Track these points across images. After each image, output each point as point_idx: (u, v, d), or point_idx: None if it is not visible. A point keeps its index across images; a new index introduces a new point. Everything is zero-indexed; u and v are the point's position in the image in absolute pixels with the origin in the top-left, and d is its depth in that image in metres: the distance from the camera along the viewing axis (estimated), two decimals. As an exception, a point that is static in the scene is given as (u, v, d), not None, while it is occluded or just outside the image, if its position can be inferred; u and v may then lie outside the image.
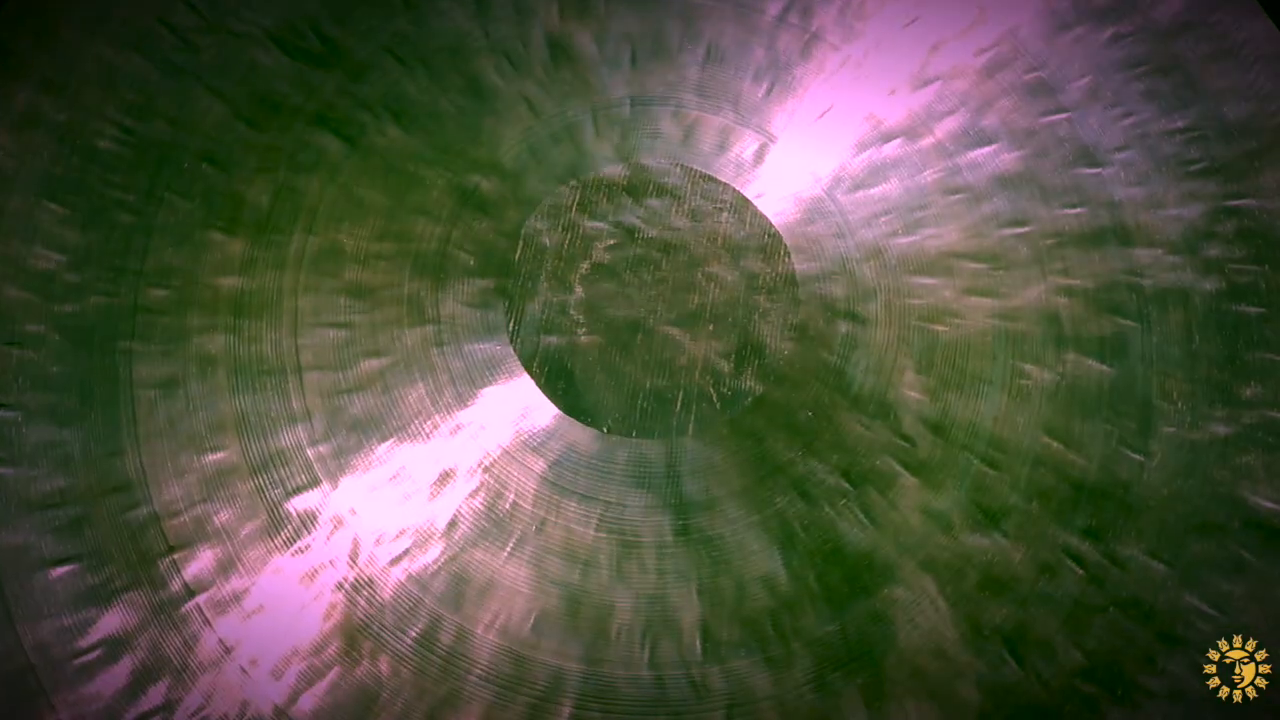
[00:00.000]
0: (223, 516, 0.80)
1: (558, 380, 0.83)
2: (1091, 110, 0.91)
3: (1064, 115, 0.91)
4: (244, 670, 0.77)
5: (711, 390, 0.84)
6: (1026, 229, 0.88)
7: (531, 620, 0.79)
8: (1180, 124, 0.90)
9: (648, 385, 0.84)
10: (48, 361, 0.82)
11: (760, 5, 0.93)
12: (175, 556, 0.79)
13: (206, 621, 0.78)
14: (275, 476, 0.81)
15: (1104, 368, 0.85)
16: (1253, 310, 0.86)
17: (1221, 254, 0.88)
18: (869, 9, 0.93)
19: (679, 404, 0.83)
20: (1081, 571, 0.81)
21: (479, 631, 0.78)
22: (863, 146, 0.90)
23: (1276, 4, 0.92)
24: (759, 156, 0.90)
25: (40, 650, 0.77)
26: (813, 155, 0.90)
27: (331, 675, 0.78)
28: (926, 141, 0.90)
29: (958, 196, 0.89)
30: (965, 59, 0.92)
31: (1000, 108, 0.91)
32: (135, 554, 0.79)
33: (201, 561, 0.79)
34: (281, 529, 0.80)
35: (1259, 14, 0.92)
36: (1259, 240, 0.88)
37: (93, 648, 0.77)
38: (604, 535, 0.81)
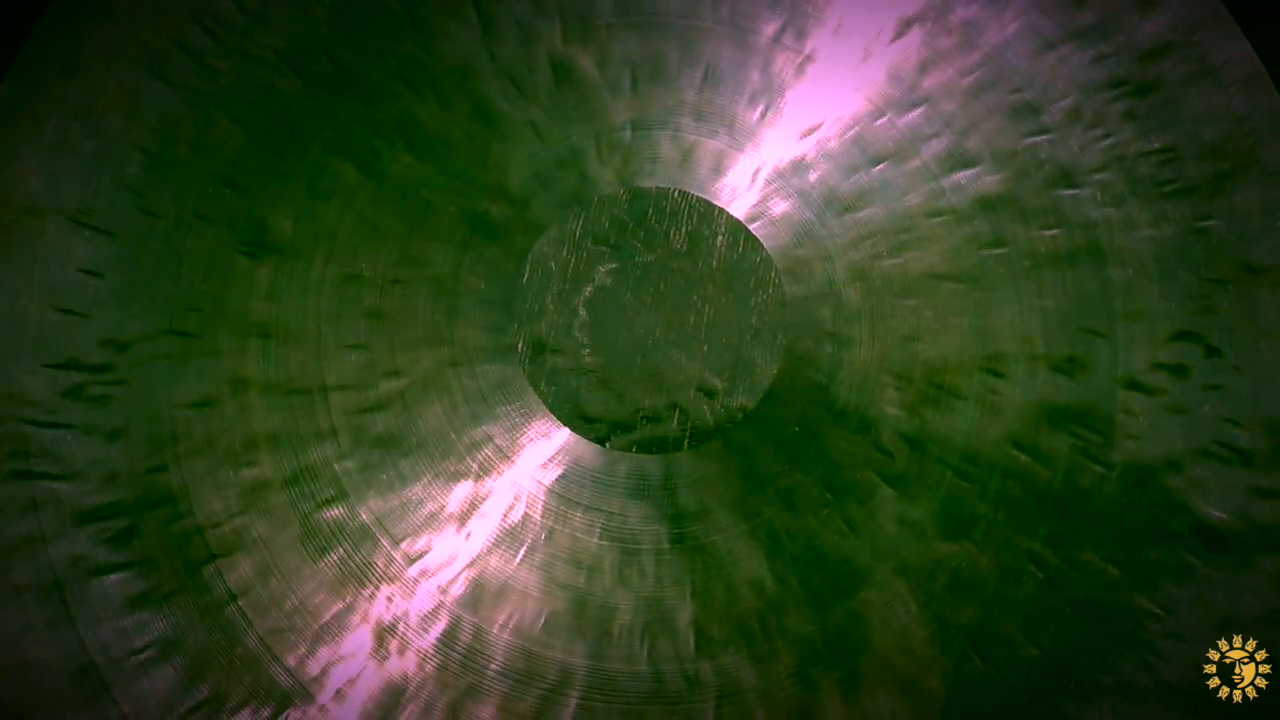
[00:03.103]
0: (260, 527, 0.88)
1: (564, 399, 0.90)
2: (1072, 131, 0.95)
3: (1046, 137, 0.95)
4: (283, 667, 0.86)
5: (705, 408, 0.90)
6: (1005, 250, 0.93)
7: (542, 621, 0.87)
8: (1157, 145, 0.95)
9: (646, 403, 0.90)
10: (93, 384, 0.89)
11: (756, 26, 0.96)
12: (218, 564, 0.87)
13: (248, 623, 0.87)
14: (306, 490, 0.89)
15: (1073, 384, 0.91)
16: (1217, 329, 0.92)
17: (1190, 275, 0.93)
18: (860, 28, 0.96)
19: (675, 421, 0.90)
20: (1042, 575, 0.89)
21: (494, 631, 0.87)
22: (851, 170, 0.95)
23: (1258, 27, 0.95)
24: (753, 179, 0.95)
25: (102, 650, 0.86)
26: (804, 179, 0.95)
27: (364, 671, 0.86)
28: (913, 164, 0.95)
29: (940, 219, 0.94)
30: (952, 80, 0.96)
31: (984, 130, 0.95)
32: (181, 562, 0.87)
33: (242, 568, 0.88)
34: (314, 538, 0.88)
35: (1240, 36, 0.95)
36: (1226, 261, 0.93)
37: (147, 647, 0.86)
38: (606, 543, 0.89)
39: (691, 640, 0.87)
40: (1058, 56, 0.96)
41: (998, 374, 0.92)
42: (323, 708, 0.86)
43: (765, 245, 0.93)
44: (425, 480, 0.89)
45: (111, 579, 0.86)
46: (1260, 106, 0.95)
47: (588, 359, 0.91)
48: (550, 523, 0.89)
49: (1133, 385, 0.91)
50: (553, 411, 0.90)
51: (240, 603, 0.87)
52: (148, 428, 0.88)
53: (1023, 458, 0.90)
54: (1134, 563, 0.89)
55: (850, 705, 0.87)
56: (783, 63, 0.96)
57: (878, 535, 0.89)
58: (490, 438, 0.90)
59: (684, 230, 0.94)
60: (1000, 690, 0.87)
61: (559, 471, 0.89)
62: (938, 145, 0.95)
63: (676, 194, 0.94)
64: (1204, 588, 0.88)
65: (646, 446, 0.90)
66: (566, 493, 0.89)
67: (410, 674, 0.86)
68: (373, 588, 0.88)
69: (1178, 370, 0.92)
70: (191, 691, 0.86)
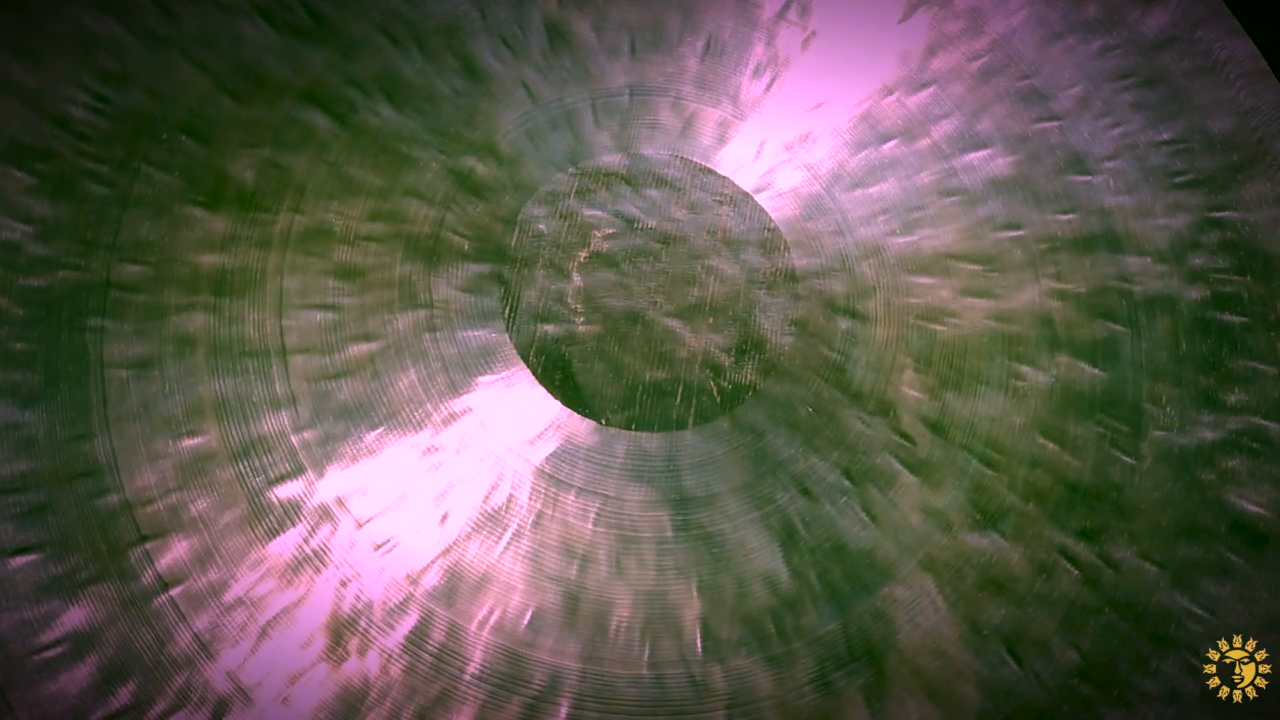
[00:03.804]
0: (200, 505, 0.76)
1: (555, 370, 0.81)
2: (1082, 119, 0.92)
3: (1055, 123, 0.92)
4: (221, 668, 0.73)
5: (712, 384, 0.82)
6: (1020, 233, 0.89)
7: (528, 617, 0.76)
8: (1167, 135, 0.93)
9: (647, 377, 0.82)
10: (11, 338, 0.77)
11: (759, 1, 0.92)
12: (148, 546, 0.75)
13: (181, 616, 0.74)
14: (257, 464, 0.77)
15: (1096, 371, 0.86)
16: (1236, 319, 0.88)
17: (1206, 264, 0.90)
18: (867, 8, 0.93)
19: (679, 397, 0.82)
20: (1076, 572, 0.81)
21: (472, 628, 0.76)
22: (860, 145, 0.90)
23: (1258, 23, 0.95)
24: (758, 151, 0.89)
25: (-2, 645, 0.71)
26: (812, 152, 0.90)
27: (317, 673, 0.74)
28: (923, 143, 0.91)
29: (953, 199, 0.89)
30: (960, 63, 0.93)
31: (995, 113, 0.92)
32: (104, 543, 0.75)
33: (176, 552, 0.75)
34: (263, 519, 0.76)
35: (1241, 33, 0.95)
36: (1241, 252, 0.90)
37: (56, 643, 0.72)
38: (602, 530, 0.79)
39: (698, 641, 0.77)
40: (1065, 46, 0.94)
41: (1020, 359, 0.86)
42: (266, 715, 0.73)
43: (773, 216, 0.87)
44: (395, 456, 0.79)
45: (17, 562, 0.73)
46: (1266, 101, 0.94)
47: (582, 328, 0.83)
48: (538, 506, 0.79)
49: (1158, 375, 0.86)
50: (542, 383, 0.81)
51: (172, 593, 0.74)
52: (73, 390, 0.77)
53: (1050, 446, 0.84)
54: (1171, 560, 0.82)
55: (876, 713, 0.77)
56: (787, 37, 0.92)
57: (901, 526, 0.81)
58: (471, 410, 0.80)
59: (686, 198, 0.87)
60: (1038, 697, 0.78)
61: (549, 449, 0.80)
62: (948, 126, 0.91)
63: (678, 161, 0.88)
64: (1246, 586, 0.82)
65: (647, 424, 0.81)
66: (557, 473, 0.79)
67: (372, 677, 0.74)
68: (331, 576, 0.76)
69: (1201, 361, 0.87)
70: (108, 696, 0.72)
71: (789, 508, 0.81)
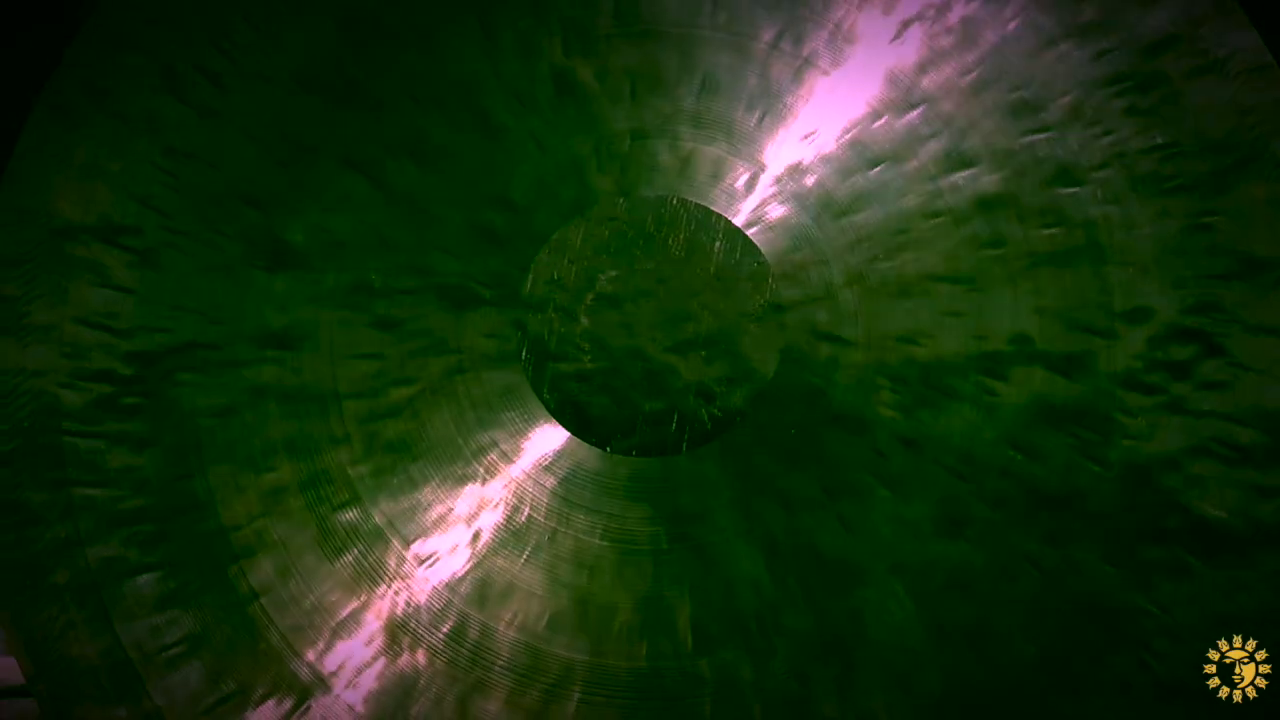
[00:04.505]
0: (279, 529, 0.93)
1: (566, 405, 0.93)
2: (1072, 129, 0.95)
3: (1045, 135, 0.95)
4: (302, 661, 0.91)
5: (704, 411, 0.93)
6: (1002, 250, 0.94)
7: (545, 619, 0.91)
8: (1159, 140, 0.94)
9: (646, 408, 0.93)
10: (121, 394, 0.94)
11: (754, 32, 0.97)
12: (241, 564, 0.92)
13: (270, 619, 0.92)
14: (322, 494, 0.93)
15: (1070, 384, 0.92)
16: (1217, 326, 0.91)
17: (1190, 270, 0.92)
18: (858, 31, 0.97)
19: (674, 424, 0.93)
20: (1039, 574, 0.90)
21: (500, 628, 0.91)
22: (848, 173, 0.96)
23: (1265, 16, 0.94)
24: (750, 185, 0.96)
25: (136, 646, 0.91)
26: (801, 183, 0.96)
27: (377, 665, 0.91)
28: (910, 166, 0.95)
29: (938, 220, 0.94)
30: (952, 79, 0.96)
31: (983, 129, 0.95)
32: (207, 562, 0.92)
33: (263, 568, 0.92)
34: (330, 539, 0.93)
35: (1248, 26, 0.94)
36: (1227, 256, 0.92)
37: (177, 643, 0.91)
38: (608, 544, 0.92)
39: (689, 637, 0.90)
40: (1058, 54, 0.95)
41: (994, 374, 0.92)
42: (340, 699, 0.91)
43: (762, 250, 0.95)
44: (434, 484, 0.93)
45: (143, 579, 0.92)
46: (1268, 97, 0.93)
47: (589, 365, 0.94)
48: (553, 524, 0.92)
49: (1132, 384, 0.91)
50: (555, 417, 0.93)
51: (262, 601, 0.91)
52: (174, 437, 0.93)
53: (1019, 457, 0.91)
54: (1131, 562, 0.90)
55: (846, 701, 0.89)
56: (780, 68, 0.97)
57: (874, 535, 0.91)
58: (495, 442, 0.94)
59: (682, 237, 0.96)
60: (997, 687, 0.89)
61: (561, 475, 0.93)
62: (935, 146, 0.95)
63: (675, 201, 0.96)
64: (1201, 586, 0.89)
65: (646, 450, 0.92)
66: (569, 495, 0.92)
67: (422, 668, 0.91)
68: (386, 586, 0.92)
69: (1178, 369, 0.91)
70: (219, 685, 0.91)
71: (772, 521, 0.92)
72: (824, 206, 0.96)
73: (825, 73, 0.97)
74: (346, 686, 0.92)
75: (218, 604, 0.92)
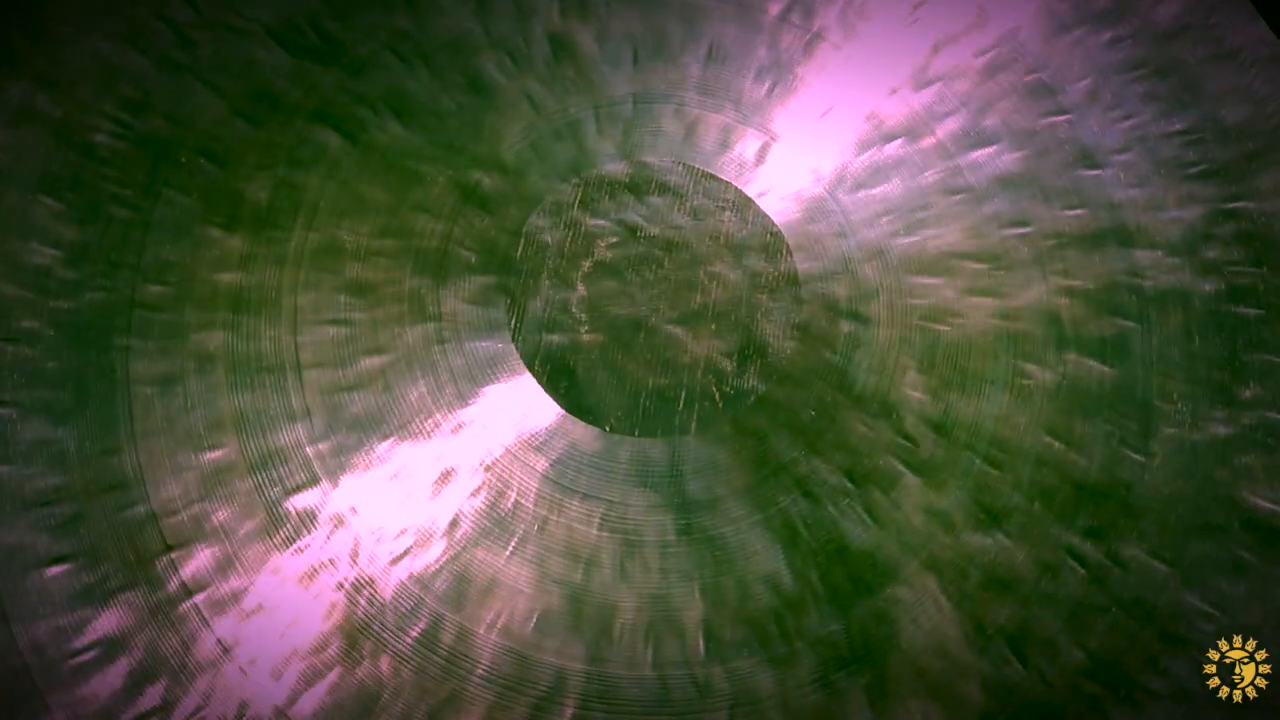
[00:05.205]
0: (221, 515, 0.79)
1: (560, 378, 0.83)
2: (1091, 112, 0.92)
3: (1064, 117, 0.92)
4: (243, 671, 0.77)
5: (714, 389, 0.84)
6: (1027, 229, 0.89)
7: (534, 620, 0.78)
8: (1179, 126, 0.91)
9: (650, 384, 0.84)
10: (43, 358, 0.81)
11: (762, 4, 0.93)
12: (173, 555, 0.78)
13: (204, 621, 0.77)
14: (274, 475, 0.80)
15: (1105, 368, 0.86)
16: (1251, 312, 0.87)
17: (1220, 256, 0.89)
18: (870, 9, 0.94)
19: (682, 403, 0.83)
20: (1084, 571, 0.81)
21: (481, 631, 0.78)
22: (864, 146, 0.91)
23: (1274, 8, 0.93)
24: (761, 155, 0.90)
25: (36, 651, 0.76)
26: (814, 154, 0.90)
27: (332, 676, 0.77)
28: (928, 142, 0.91)
29: (959, 197, 0.89)
30: (966, 60, 0.93)
31: (1001, 109, 0.92)
32: (132, 553, 0.78)
33: (199, 560, 0.79)
34: (281, 528, 0.80)
35: (1256, 18, 0.93)
36: (1257, 243, 0.89)
37: (89, 648, 0.76)
38: (606, 534, 0.80)
39: (701, 642, 0.79)
40: (1073, 39, 0.93)
41: (1026, 357, 0.86)
42: (286, 717, 0.76)
43: (775, 220, 0.88)
44: (405, 465, 0.81)
45: (52, 571, 0.77)
46: (1283, 87, 0.92)
47: (586, 336, 0.85)
48: (544, 512, 0.81)
49: (1169, 371, 0.85)
50: (548, 391, 0.83)
51: (196, 599, 0.78)
52: (101, 407, 0.81)
53: (1056, 445, 0.84)
54: (1182, 558, 0.82)
55: (879, 713, 0.78)
56: (790, 40, 0.93)
57: (903, 526, 0.82)
58: (479, 419, 0.83)
59: (689, 204, 0.88)
60: (1043, 697, 0.79)
61: (554, 456, 0.82)
62: (953, 123, 0.91)
63: (681, 167, 0.89)
64: (1259, 584, 0.81)
65: (650, 430, 0.82)
66: (562, 479, 0.81)
67: (385, 679, 0.77)
68: (345, 582, 0.79)
69: (1214, 355, 0.86)
70: (137, 697, 0.76)
71: (791, 510, 0.82)
72: (840, 179, 0.90)
73: (837, 46, 0.93)
74: (294, 701, 0.77)
75: (141, 603, 0.77)
